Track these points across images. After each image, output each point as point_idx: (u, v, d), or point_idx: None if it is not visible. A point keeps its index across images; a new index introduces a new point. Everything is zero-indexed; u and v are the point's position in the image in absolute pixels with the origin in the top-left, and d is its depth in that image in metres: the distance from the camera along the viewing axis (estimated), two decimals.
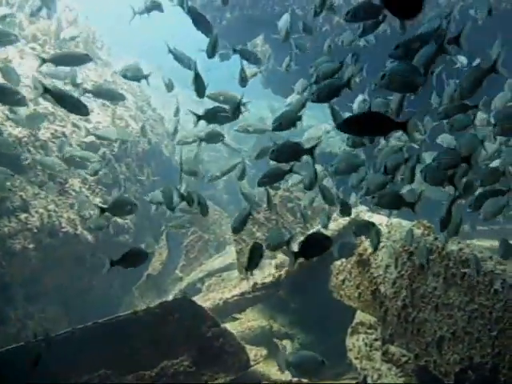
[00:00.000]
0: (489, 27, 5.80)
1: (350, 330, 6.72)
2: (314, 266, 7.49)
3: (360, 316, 6.82)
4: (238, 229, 5.20)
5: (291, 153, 4.47)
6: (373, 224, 5.55)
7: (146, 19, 6.21)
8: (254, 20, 11.46)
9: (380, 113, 3.93)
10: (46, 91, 4.64)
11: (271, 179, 4.97)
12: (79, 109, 4.78)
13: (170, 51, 5.66)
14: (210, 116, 5.17)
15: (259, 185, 4.94)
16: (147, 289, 8.82)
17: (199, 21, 5.15)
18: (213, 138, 5.88)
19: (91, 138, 8.17)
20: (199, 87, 5.03)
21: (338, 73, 4.61)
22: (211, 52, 5.21)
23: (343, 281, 7.31)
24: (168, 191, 5.25)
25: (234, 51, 5.63)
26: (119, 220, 8.48)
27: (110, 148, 8.76)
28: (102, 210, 5.14)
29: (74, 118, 8.42)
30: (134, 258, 4.43)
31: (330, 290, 7.47)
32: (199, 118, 5.18)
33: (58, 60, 6.05)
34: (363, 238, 7.08)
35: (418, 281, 5.90)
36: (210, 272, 9.24)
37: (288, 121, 4.71)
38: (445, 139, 6.19)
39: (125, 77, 5.98)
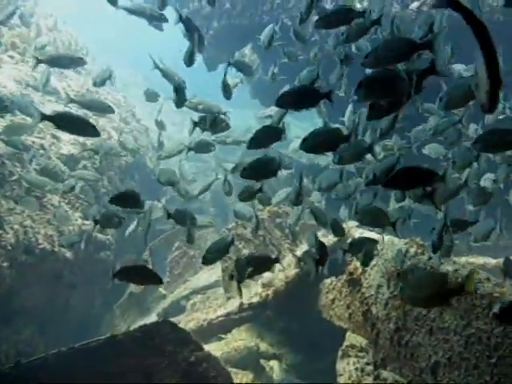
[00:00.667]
0: None
1: (340, 353, 6.45)
2: (302, 284, 7.24)
3: (350, 338, 6.55)
4: (209, 260, 4.68)
5: (264, 170, 4.21)
6: (363, 241, 5.32)
7: (139, 29, 6.00)
8: (242, 29, 11.26)
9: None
10: (45, 118, 4.33)
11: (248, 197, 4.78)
12: (86, 130, 4.40)
13: (156, 67, 5.43)
14: (205, 123, 5.01)
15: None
16: (129, 307, 8.50)
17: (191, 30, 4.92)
18: (202, 147, 5.62)
19: (71, 151, 7.87)
20: (180, 98, 4.91)
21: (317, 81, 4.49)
22: (188, 61, 5.00)
23: (333, 300, 7.06)
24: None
25: (229, 64, 5.41)
26: (100, 236, 8.17)
27: (92, 161, 8.45)
28: (96, 222, 5.05)
29: (53, 128, 8.10)
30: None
31: (319, 310, 7.24)
32: (195, 124, 5.02)
33: (52, 61, 5.76)
34: None
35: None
36: (194, 289, 8.94)
37: (266, 136, 4.41)
38: (432, 149, 6.02)
39: (95, 84, 5.75)
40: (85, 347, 5.34)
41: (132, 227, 6.60)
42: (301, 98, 3.90)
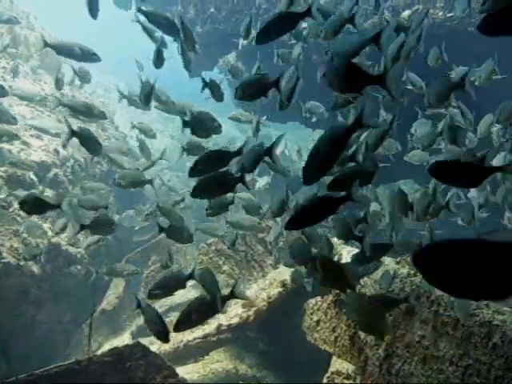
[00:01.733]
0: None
1: (325, 381, 6.06)
2: (285, 304, 6.86)
3: (336, 364, 6.18)
4: (154, 295, 4.47)
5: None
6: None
7: (123, 35, 5.65)
8: (226, 35, 10.91)
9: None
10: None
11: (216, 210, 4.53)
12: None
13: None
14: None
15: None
16: (101, 325, 8.01)
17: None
18: (194, 149, 5.20)
19: (42, 158, 7.42)
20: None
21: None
22: (157, 63, 4.67)
23: (318, 322, 6.67)
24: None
25: (204, 84, 5.01)
26: (71, 249, 7.70)
27: (64, 169, 7.99)
28: (82, 227, 4.95)
29: (23, 134, 7.66)
30: None
31: (303, 331, 6.86)
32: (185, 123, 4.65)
33: (60, 49, 5.32)
34: None
35: (403, 327, 5.29)
36: (171, 307, 8.48)
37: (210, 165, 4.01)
38: (414, 156, 5.73)
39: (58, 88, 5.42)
40: (46, 374, 4.87)
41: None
42: (253, 89, 3.84)
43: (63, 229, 5.64)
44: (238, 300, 7.24)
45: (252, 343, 7.54)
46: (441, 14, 9.24)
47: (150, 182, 5.41)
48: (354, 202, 3.48)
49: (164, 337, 3.97)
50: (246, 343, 7.48)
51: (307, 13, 3.98)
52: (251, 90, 3.85)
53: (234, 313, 6.54)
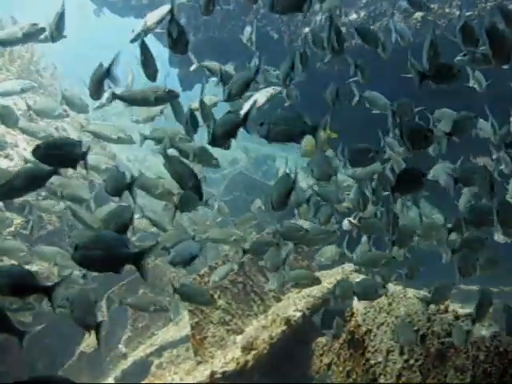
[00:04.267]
0: None
1: None
2: (290, 344, 5.99)
3: None
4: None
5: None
6: None
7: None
8: (221, 43, 10.18)
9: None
10: None
11: None
12: None
13: None
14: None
15: None
16: (79, 371, 7.11)
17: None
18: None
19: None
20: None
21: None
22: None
23: (329, 365, 5.81)
24: None
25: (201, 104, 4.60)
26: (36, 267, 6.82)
27: None
28: None
29: None
30: None
31: (311, 376, 6.00)
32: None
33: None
34: (355, 309, 5.66)
35: (433, 376, 4.42)
36: (162, 346, 7.60)
37: None
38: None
39: None
40: None
41: None
42: None
43: None
44: (237, 337, 6.46)
45: None
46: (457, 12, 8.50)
47: None
48: None
49: None
50: None
51: None
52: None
53: (229, 356, 5.66)
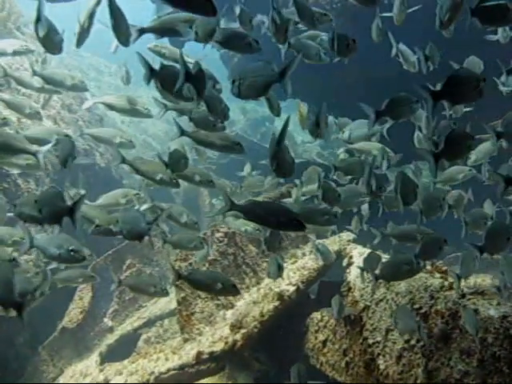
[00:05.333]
0: None
1: None
2: (284, 317, 5.67)
3: None
4: None
5: None
6: None
7: None
8: None
9: None
10: None
11: None
12: None
13: None
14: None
15: None
16: (62, 346, 6.80)
17: None
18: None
19: None
20: None
21: None
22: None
23: (324, 342, 5.49)
24: None
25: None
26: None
27: None
28: None
29: None
30: None
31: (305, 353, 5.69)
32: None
33: None
34: (352, 283, 5.31)
35: (436, 358, 4.08)
36: (150, 319, 7.29)
37: None
38: None
39: None
40: None
41: None
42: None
43: None
44: (227, 312, 6.13)
45: (247, 361, 6.37)
46: None
47: None
48: None
49: None
50: (241, 362, 6.30)
51: None
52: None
53: (218, 335, 5.32)
